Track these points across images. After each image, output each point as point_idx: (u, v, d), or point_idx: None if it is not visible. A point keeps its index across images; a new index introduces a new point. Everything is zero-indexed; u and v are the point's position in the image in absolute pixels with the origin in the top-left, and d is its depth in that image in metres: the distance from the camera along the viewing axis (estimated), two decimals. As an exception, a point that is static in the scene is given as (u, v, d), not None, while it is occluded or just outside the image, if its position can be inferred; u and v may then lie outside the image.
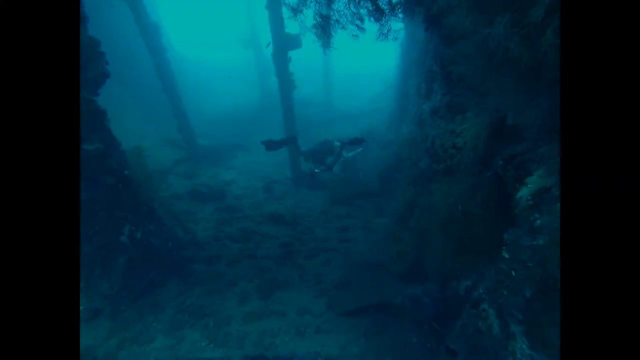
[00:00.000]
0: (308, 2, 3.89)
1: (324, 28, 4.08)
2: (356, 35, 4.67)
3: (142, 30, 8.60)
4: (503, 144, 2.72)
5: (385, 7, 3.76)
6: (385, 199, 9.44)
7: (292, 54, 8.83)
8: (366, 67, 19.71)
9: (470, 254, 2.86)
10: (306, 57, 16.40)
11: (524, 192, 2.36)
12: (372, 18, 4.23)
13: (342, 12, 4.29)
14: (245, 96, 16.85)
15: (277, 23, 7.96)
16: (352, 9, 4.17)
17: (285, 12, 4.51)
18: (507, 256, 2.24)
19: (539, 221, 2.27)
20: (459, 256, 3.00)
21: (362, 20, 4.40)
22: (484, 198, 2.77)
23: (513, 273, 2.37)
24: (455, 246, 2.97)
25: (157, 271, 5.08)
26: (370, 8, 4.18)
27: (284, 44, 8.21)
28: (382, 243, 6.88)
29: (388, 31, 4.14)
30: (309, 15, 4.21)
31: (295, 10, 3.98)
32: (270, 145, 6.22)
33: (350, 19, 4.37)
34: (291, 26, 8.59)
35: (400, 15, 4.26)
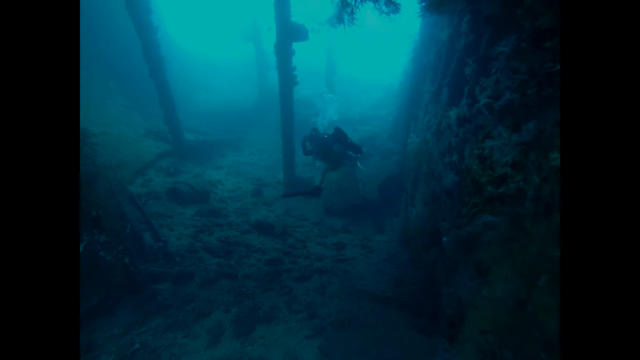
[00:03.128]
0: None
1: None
2: (386, 13, 3.52)
3: (129, 3, 7.23)
4: None
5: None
6: (385, 213, 8.31)
7: (295, 53, 7.60)
8: (368, 75, 18.67)
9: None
10: (308, 60, 15.19)
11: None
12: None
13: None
14: (242, 93, 15.49)
15: (283, 9, 6.76)
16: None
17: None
18: None
19: None
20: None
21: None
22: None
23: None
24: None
25: (105, 295, 3.72)
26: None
27: (288, 34, 6.99)
28: (386, 268, 5.68)
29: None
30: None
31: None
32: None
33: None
34: (297, 16, 7.41)
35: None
